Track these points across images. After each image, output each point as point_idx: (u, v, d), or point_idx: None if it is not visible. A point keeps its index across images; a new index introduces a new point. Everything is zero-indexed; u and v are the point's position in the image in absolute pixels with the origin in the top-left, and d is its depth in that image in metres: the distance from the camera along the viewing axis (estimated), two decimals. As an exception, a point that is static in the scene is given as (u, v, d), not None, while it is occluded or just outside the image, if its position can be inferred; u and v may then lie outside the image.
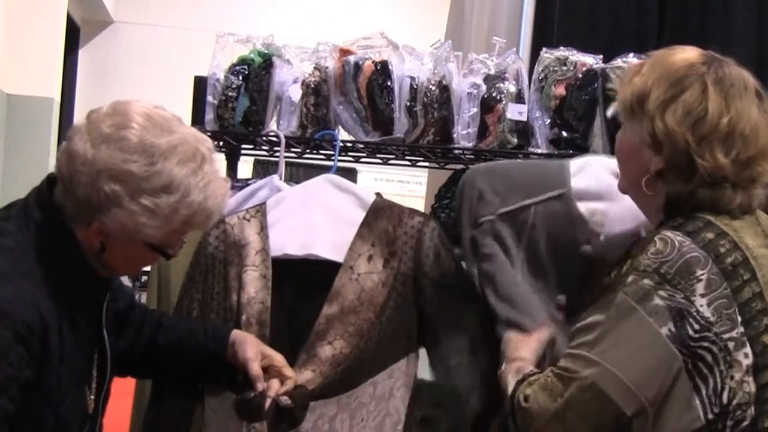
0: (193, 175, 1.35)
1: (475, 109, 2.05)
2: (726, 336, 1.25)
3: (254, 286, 1.74)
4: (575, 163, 1.66)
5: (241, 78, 2.04)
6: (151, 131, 1.32)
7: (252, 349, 1.56)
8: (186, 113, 2.07)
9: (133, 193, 1.31)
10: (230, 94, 2.03)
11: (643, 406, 1.26)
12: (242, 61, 2.06)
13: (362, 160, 2.15)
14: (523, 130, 2.08)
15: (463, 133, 2.04)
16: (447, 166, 2.25)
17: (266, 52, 2.08)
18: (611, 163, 1.59)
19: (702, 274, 1.26)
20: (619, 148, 1.46)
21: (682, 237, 1.28)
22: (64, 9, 5.98)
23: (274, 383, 1.54)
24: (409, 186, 10.45)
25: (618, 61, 2.10)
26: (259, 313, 1.73)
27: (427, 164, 2.36)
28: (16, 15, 5.41)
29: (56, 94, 5.83)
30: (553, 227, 1.61)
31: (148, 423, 1.78)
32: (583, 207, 1.60)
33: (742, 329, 1.26)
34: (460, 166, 2.18)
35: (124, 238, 1.35)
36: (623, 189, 1.49)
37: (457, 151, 2.09)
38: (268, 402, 1.51)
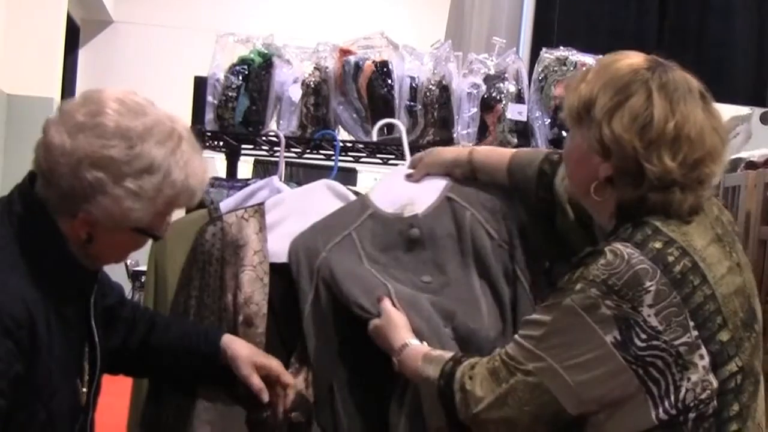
0: (173, 155, 1.35)
1: (475, 109, 2.05)
2: (677, 342, 1.27)
3: (251, 287, 1.75)
4: (371, 191, 1.80)
5: (241, 78, 2.04)
6: (126, 116, 1.33)
7: (246, 360, 1.58)
8: (186, 113, 2.07)
9: (116, 177, 1.31)
10: (230, 94, 2.03)
11: (588, 408, 1.31)
12: (242, 61, 2.06)
13: (362, 160, 2.15)
14: (523, 130, 2.08)
15: (463, 133, 2.04)
16: (447, 166, 2.25)
17: (266, 52, 2.08)
18: (399, 170, 1.81)
19: (650, 286, 1.27)
20: (567, 155, 1.48)
21: (632, 249, 1.30)
22: (64, 9, 5.97)
23: (281, 398, 1.58)
24: (409, 186, 10.46)
25: (618, 61, 2.09)
26: (255, 314, 1.73)
27: (427, 164, 2.36)
28: (16, 15, 5.41)
29: (56, 94, 5.83)
30: (380, 235, 1.72)
31: (146, 418, 1.79)
32: (392, 210, 1.74)
33: (695, 333, 1.28)
34: (460, 166, 2.18)
35: (112, 225, 1.35)
36: (572, 194, 1.52)
37: (457, 151, 2.08)
38: (280, 418, 1.55)
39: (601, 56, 2.09)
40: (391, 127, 2.03)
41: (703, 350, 1.29)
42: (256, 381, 1.56)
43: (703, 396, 1.29)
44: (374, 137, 1.95)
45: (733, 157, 3.41)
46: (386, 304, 1.60)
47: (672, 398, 1.28)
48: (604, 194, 1.38)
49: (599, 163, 1.36)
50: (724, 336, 1.31)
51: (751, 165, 2.99)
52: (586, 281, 1.29)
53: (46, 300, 1.33)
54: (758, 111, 3.50)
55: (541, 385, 1.30)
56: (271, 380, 1.59)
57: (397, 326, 1.56)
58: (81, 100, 1.35)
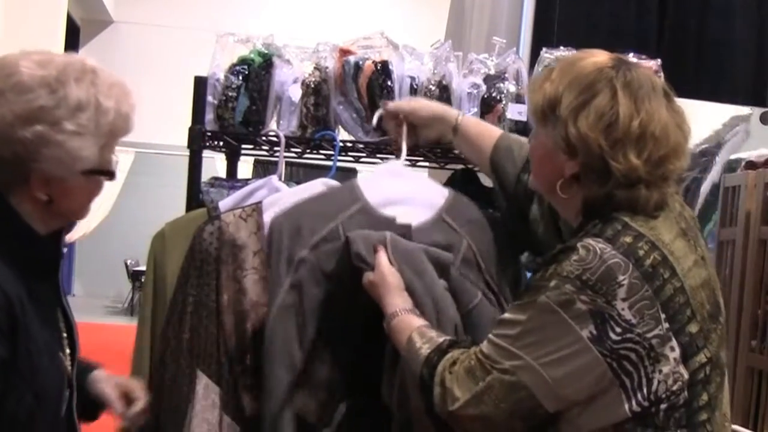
0: (94, 86, 1.37)
1: (475, 109, 2.04)
2: (650, 335, 1.29)
3: (256, 290, 1.75)
4: (363, 181, 1.76)
5: (241, 78, 2.04)
6: (36, 68, 1.34)
7: (106, 380, 1.58)
8: (186, 113, 2.08)
9: (53, 124, 1.32)
10: (230, 94, 2.03)
11: (564, 404, 1.32)
12: (242, 61, 2.06)
13: (362, 160, 2.15)
14: (523, 130, 2.07)
15: (463, 133, 2.04)
16: (447, 166, 2.25)
17: (266, 52, 2.08)
18: (394, 167, 1.78)
19: (623, 279, 1.29)
20: (533, 153, 1.49)
21: (603, 244, 1.31)
22: (64, 9, 5.98)
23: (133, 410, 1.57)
24: (409, 186, 10.47)
25: (618, 61, 2.10)
26: (264, 316, 1.73)
27: (427, 164, 2.36)
28: (16, 15, 5.41)
29: (56, 94, 5.83)
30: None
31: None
32: (385, 212, 1.72)
33: (666, 325, 1.31)
34: (460, 166, 2.18)
35: (65, 174, 1.35)
36: (537, 189, 1.54)
37: (457, 151, 2.09)
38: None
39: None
40: (391, 127, 2.03)
41: (674, 342, 1.31)
42: (109, 392, 1.56)
43: (675, 387, 1.31)
44: (374, 122, 1.93)
45: (733, 157, 3.41)
46: (381, 257, 1.59)
47: (645, 390, 1.30)
48: (570, 191, 1.40)
49: (565, 161, 1.38)
50: (693, 328, 1.33)
51: (751, 165, 3.00)
52: (560, 277, 1.30)
53: (16, 281, 1.33)
54: (758, 111, 3.50)
55: (518, 383, 1.31)
56: (131, 397, 1.59)
57: (390, 288, 1.57)
58: None
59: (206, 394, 1.74)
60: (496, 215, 1.80)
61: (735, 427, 2.54)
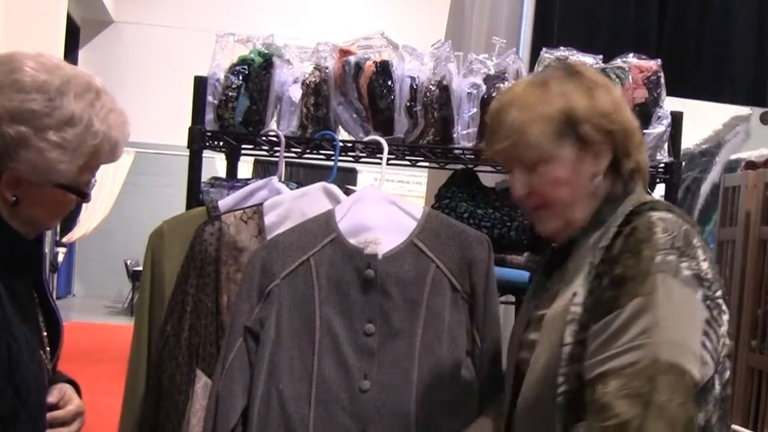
0: (92, 106, 1.36)
1: (475, 109, 2.04)
2: (718, 294, 1.30)
3: None
4: (340, 208, 1.78)
5: (241, 78, 2.04)
6: (42, 71, 1.33)
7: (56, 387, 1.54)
8: (186, 113, 2.08)
9: (39, 130, 1.31)
10: (230, 94, 2.03)
11: (707, 372, 1.27)
12: (242, 61, 2.06)
13: (362, 160, 2.15)
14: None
15: (463, 133, 2.04)
16: (447, 166, 2.25)
17: (266, 52, 2.08)
18: (371, 192, 1.78)
19: (697, 242, 1.31)
20: (554, 185, 1.41)
21: (667, 214, 1.33)
22: (64, 9, 5.98)
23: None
24: (409, 186, 10.47)
25: (618, 61, 2.10)
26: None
27: (427, 164, 2.36)
28: (16, 15, 5.40)
29: (56, 94, 5.83)
30: (337, 265, 1.71)
31: (141, 417, 1.81)
32: (354, 241, 1.73)
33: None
34: (460, 166, 2.18)
35: (38, 182, 1.35)
36: (559, 226, 1.46)
37: (457, 151, 2.09)
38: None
39: (600, 56, 2.12)
40: (391, 127, 2.03)
41: (725, 305, 1.32)
42: (53, 396, 1.50)
43: (723, 353, 1.29)
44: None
45: (733, 157, 3.42)
46: None
47: (716, 352, 1.28)
48: (601, 188, 1.42)
49: (595, 156, 1.40)
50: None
51: (751, 165, 3.00)
52: (661, 251, 1.28)
53: None
54: (758, 111, 3.50)
55: (675, 366, 1.22)
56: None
57: None
58: None
59: (205, 393, 1.74)
60: (470, 231, 1.79)
61: (735, 427, 2.54)
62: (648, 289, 1.26)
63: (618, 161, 1.41)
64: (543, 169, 1.40)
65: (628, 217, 1.35)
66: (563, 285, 1.38)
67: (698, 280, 1.28)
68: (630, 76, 2.05)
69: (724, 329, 1.29)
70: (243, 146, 2.21)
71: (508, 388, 1.49)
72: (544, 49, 2.15)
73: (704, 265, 1.29)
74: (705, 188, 3.54)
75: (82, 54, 12.24)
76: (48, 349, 1.46)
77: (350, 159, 2.15)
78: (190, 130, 2.03)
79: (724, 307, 1.31)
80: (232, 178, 2.21)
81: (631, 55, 2.11)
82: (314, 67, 2.10)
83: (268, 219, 1.82)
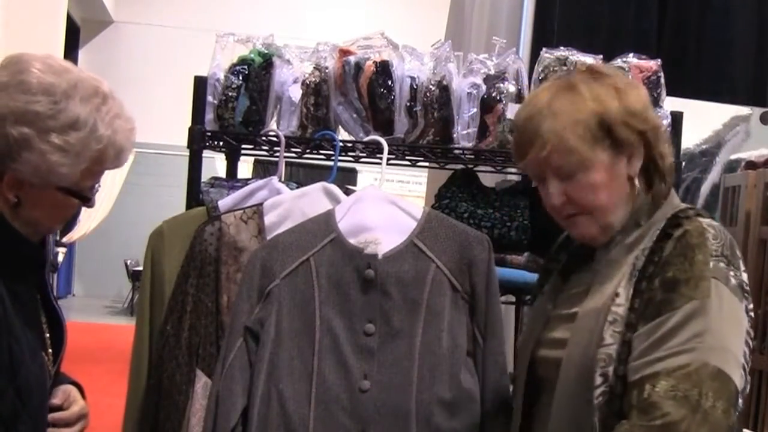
0: (97, 111, 1.36)
1: (475, 109, 2.04)
2: (751, 306, 1.32)
3: None
4: (341, 208, 1.77)
5: (241, 78, 2.04)
6: (49, 74, 1.33)
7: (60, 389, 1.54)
8: (186, 113, 2.08)
9: (42, 132, 1.31)
10: (230, 94, 2.03)
11: (745, 380, 1.29)
12: (242, 61, 2.06)
13: (362, 160, 2.15)
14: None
15: (463, 133, 2.04)
16: (447, 166, 2.25)
17: (266, 52, 2.08)
18: (371, 192, 1.77)
19: (739, 253, 1.33)
20: (594, 190, 1.39)
21: (713, 221, 1.35)
22: (64, 9, 5.98)
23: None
24: (409, 186, 10.47)
25: (618, 61, 2.10)
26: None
27: (427, 164, 2.36)
28: (16, 15, 5.41)
29: (56, 94, 5.83)
30: (337, 265, 1.71)
31: (143, 416, 1.81)
32: (354, 241, 1.72)
33: None
34: (460, 166, 2.18)
35: (39, 184, 1.34)
36: (595, 231, 1.44)
37: (457, 151, 2.09)
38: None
39: (600, 56, 2.12)
40: (391, 127, 2.03)
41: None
42: (58, 398, 1.51)
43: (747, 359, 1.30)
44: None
45: (733, 157, 3.42)
46: None
47: (747, 363, 1.29)
48: (636, 189, 1.41)
49: (629, 158, 1.39)
50: None
51: (751, 165, 3.00)
52: (713, 257, 1.29)
53: None
54: (758, 111, 3.50)
55: (720, 372, 1.23)
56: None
57: None
58: (5, 63, 1.35)
59: (205, 393, 1.74)
60: (470, 231, 1.78)
61: (735, 427, 2.55)
62: (702, 293, 1.27)
63: (652, 161, 1.40)
64: (581, 175, 1.38)
65: (674, 220, 1.35)
66: (596, 285, 1.37)
67: (742, 291, 1.30)
68: (630, 76, 2.05)
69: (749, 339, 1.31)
70: (243, 146, 2.21)
71: (520, 386, 1.49)
72: (544, 49, 2.15)
73: (745, 277, 1.31)
74: (705, 189, 3.53)
75: (82, 54, 12.24)
76: (51, 350, 1.46)
77: (350, 159, 2.15)
78: (190, 130, 2.03)
79: (751, 312, 1.32)
80: (232, 178, 2.21)
81: (631, 55, 2.11)
82: (314, 67, 2.10)
83: (268, 219, 1.82)
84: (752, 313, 1.31)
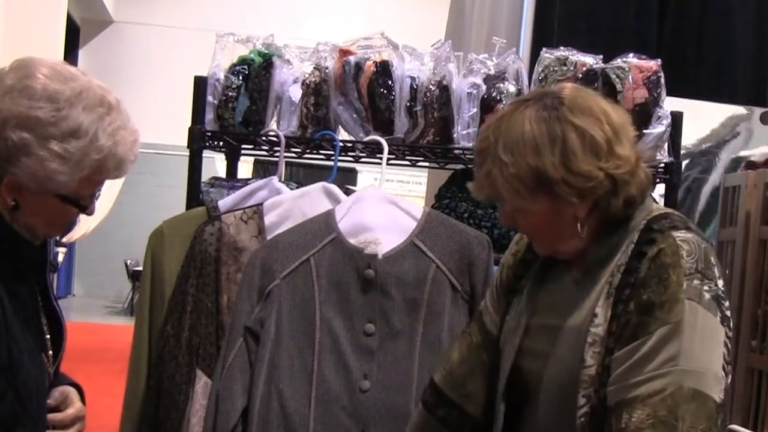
0: (101, 121, 1.35)
1: (475, 109, 2.04)
2: (727, 304, 1.31)
3: None
4: (341, 208, 1.77)
5: (241, 78, 2.04)
6: (55, 80, 1.33)
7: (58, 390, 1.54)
8: (186, 113, 2.08)
9: (42, 139, 1.31)
10: (230, 94, 2.03)
11: (726, 395, 1.29)
12: (242, 61, 2.06)
13: (362, 160, 2.15)
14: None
15: (463, 133, 2.04)
16: (447, 166, 2.25)
17: (266, 52, 2.08)
18: (371, 192, 1.77)
19: (714, 259, 1.32)
20: (534, 227, 1.41)
21: (686, 233, 1.33)
22: (64, 9, 5.98)
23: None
24: (409, 186, 10.47)
25: (618, 61, 2.10)
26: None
27: (427, 164, 2.36)
28: (16, 15, 5.40)
29: (56, 94, 5.83)
30: (338, 264, 1.71)
31: (142, 416, 1.81)
32: (354, 241, 1.73)
33: None
34: (460, 166, 2.18)
35: (37, 190, 1.34)
36: (550, 252, 1.45)
37: (457, 151, 2.09)
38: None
39: (600, 56, 2.11)
40: (391, 127, 2.03)
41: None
42: (54, 399, 1.51)
43: (727, 369, 1.30)
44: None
45: (733, 157, 3.41)
46: None
47: (728, 365, 1.29)
48: (585, 226, 1.38)
49: (575, 206, 1.35)
50: None
51: (751, 165, 3.00)
52: (686, 276, 1.29)
53: None
54: (758, 111, 3.50)
55: (698, 393, 1.24)
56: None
57: None
58: (14, 66, 1.35)
59: (205, 393, 1.74)
60: (470, 231, 1.79)
61: (735, 426, 2.54)
62: (675, 317, 1.27)
63: (609, 203, 1.36)
64: (520, 216, 1.39)
65: (647, 234, 1.34)
66: (575, 300, 1.37)
67: (717, 303, 1.29)
68: (630, 76, 2.04)
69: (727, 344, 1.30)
70: (243, 146, 2.21)
71: (501, 388, 1.48)
72: (544, 49, 2.16)
73: (720, 283, 1.31)
74: (706, 190, 3.53)
75: (82, 54, 12.25)
76: (50, 352, 1.46)
77: (350, 159, 2.15)
78: (190, 130, 2.03)
79: (729, 315, 1.31)
80: (232, 178, 2.21)
81: (631, 55, 2.11)
82: (314, 67, 2.11)
83: (268, 219, 1.82)
84: (728, 312, 1.31)
